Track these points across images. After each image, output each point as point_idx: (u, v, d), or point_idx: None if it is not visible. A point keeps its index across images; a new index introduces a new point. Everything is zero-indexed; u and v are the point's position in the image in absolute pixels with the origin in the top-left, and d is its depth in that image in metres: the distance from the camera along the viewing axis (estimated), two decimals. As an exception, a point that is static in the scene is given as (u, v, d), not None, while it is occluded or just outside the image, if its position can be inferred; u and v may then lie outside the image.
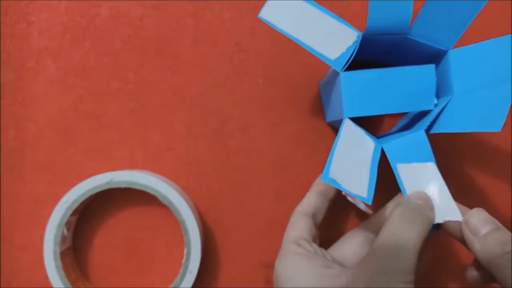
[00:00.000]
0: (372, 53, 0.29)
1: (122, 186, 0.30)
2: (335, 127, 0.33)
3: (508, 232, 0.24)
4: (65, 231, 0.31)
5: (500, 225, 0.24)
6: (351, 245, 0.28)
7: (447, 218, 0.24)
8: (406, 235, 0.23)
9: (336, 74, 0.27)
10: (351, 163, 0.25)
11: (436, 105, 0.28)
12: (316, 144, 0.33)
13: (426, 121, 0.27)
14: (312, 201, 0.29)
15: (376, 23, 0.26)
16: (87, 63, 0.33)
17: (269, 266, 0.33)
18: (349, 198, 0.30)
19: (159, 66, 0.33)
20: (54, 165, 0.33)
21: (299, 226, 0.28)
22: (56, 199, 0.31)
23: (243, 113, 0.33)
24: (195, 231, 0.30)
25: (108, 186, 0.30)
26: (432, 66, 0.27)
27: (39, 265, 0.32)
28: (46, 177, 0.33)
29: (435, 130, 0.27)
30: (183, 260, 0.30)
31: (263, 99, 0.33)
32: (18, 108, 0.33)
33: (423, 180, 0.25)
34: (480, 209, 0.25)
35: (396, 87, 0.27)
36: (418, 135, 0.26)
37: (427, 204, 0.25)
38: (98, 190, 0.31)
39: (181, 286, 0.30)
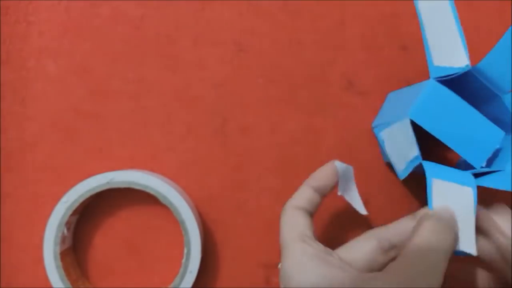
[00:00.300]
0: None
1: (122, 186, 0.30)
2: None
3: None
4: (65, 231, 0.31)
5: None
6: (362, 250, 0.27)
7: (461, 249, 0.24)
8: (439, 244, 0.23)
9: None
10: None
11: (485, 167, 0.27)
12: (316, 144, 0.33)
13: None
14: (308, 196, 0.28)
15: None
16: (87, 63, 0.33)
17: (269, 266, 0.33)
18: (346, 197, 0.30)
19: (159, 66, 0.33)
20: (54, 165, 0.33)
21: (301, 222, 0.27)
22: (56, 199, 0.31)
23: (243, 113, 0.33)
24: (195, 231, 0.30)
25: (108, 186, 0.30)
26: (502, 132, 0.27)
27: (39, 265, 0.32)
28: (46, 177, 0.33)
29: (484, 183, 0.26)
30: (183, 260, 0.30)
31: (263, 99, 0.33)
32: (18, 108, 0.33)
33: (454, 202, 0.25)
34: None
35: (464, 126, 0.27)
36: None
37: (454, 219, 0.24)
38: (98, 190, 0.30)
39: (181, 286, 0.30)
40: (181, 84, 0.33)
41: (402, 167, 0.28)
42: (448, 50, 0.27)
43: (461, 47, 0.26)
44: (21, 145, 0.33)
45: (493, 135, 0.27)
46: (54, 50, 0.33)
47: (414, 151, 0.26)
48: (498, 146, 0.27)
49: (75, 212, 0.31)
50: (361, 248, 0.27)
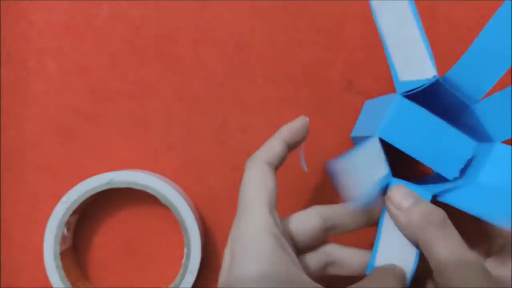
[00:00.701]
0: None
1: (122, 186, 0.30)
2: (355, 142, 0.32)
3: (429, 203, 0.24)
4: (65, 231, 0.31)
5: (420, 197, 0.24)
6: (307, 225, 0.26)
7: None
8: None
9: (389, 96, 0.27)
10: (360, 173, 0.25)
11: (457, 179, 0.27)
12: (316, 144, 0.33)
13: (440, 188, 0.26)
14: (279, 151, 0.26)
15: None
16: (87, 63, 0.33)
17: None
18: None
19: (159, 66, 0.33)
20: (54, 165, 0.33)
21: (270, 185, 0.24)
22: (56, 199, 0.31)
23: (243, 113, 0.33)
24: (195, 231, 0.30)
25: (108, 186, 0.30)
26: (473, 142, 0.27)
27: (39, 265, 0.32)
28: (46, 177, 0.33)
29: (444, 199, 0.26)
30: (183, 260, 0.30)
31: (263, 99, 0.33)
32: (18, 108, 0.33)
33: None
34: (400, 184, 0.25)
35: (434, 139, 0.26)
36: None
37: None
38: (98, 190, 0.31)
39: (181, 286, 0.30)
40: (181, 84, 0.33)
41: (365, 190, 0.25)
42: (413, 61, 0.26)
43: (426, 56, 0.26)
44: (21, 145, 0.33)
45: (464, 145, 0.27)
46: (54, 50, 0.33)
47: (383, 169, 0.25)
48: (470, 156, 0.27)
49: (75, 212, 0.31)
50: (306, 223, 0.26)
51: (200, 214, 0.33)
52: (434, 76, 0.25)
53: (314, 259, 0.27)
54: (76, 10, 0.33)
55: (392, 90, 0.33)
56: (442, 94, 0.27)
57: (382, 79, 0.34)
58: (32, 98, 0.33)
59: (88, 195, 0.30)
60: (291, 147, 0.27)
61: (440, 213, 0.23)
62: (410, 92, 0.26)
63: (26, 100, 0.33)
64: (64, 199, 0.30)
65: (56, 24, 0.33)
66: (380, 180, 0.25)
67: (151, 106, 0.33)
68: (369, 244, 0.33)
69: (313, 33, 0.34)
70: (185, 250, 0.30)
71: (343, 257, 0.27)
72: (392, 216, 0.25)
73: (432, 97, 0.27)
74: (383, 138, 0.26)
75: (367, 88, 0.33)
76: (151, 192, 0.30)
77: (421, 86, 0.26)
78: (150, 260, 0.33)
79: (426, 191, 0.25)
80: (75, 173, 0.33)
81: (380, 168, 0.25)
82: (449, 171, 0.27)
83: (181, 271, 0.30)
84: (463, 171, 0.27)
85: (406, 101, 0.26)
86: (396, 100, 0.26)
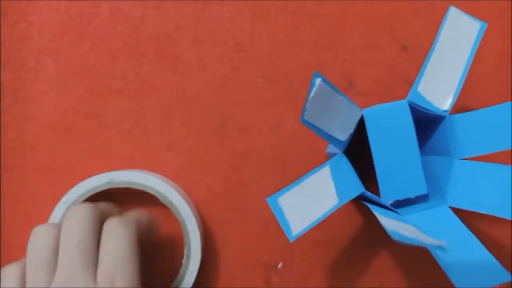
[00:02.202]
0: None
1: (122, 186, 0.30)
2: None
3: None
4: None
5: None
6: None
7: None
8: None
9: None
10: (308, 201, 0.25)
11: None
12: (316, 144, 0.33)
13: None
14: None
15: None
16: (87, 63, 0.33)
17: (269, 266, 0.33)
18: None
19: (159, 66, 0.33)
20: (54, 165, 0.33)
21: None
22: (56, 199, 0.31)
23: (243, 113, 0.33)
24: (195, 231, 0.30)
25: (108, 186, 0.30)
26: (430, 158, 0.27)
27: (39, 265, 0.32)
28: (46, 177, 0.33)
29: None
30: (183, 260, 0.30)
31: (263, 99, 0.33)
32: (18, 108, 0.33)
33: None
34: None
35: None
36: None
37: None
38: (98, 190, 0.30)
39: (181, 286, 0.30)
40: (181, 84, 0.33)
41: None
42: (440, 85, 0.26)
43: (453, 88, 0.26)
44: (21, 145, 0.33)
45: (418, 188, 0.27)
46: (54, 50, 0.33)
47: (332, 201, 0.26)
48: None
49: None
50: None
51: (200, 214, 0.33)
52: (446, 111, 0.26)
53: None
54: (76, 10, 0.34)
55: (392, 90, 0.33)
56: (415, 111, 0.27)
57: (382, 79, 0.34)
58: (32, 98, 0.33)
59: (88, 195, 0.30)
60: None
61: None
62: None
63: (26, 100, 0.33)
64: (64, 199, 0.30)
65: (56, 24, 0.33)
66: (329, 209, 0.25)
67: (151, 106, 0.33)
68: (367, 244, 0.33)
69: (313, 33, 0.34)
70: (185, 250, 0.30)
71: None
72: None
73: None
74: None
75: (367, 88, 0.34)
76: (151, 192, 0.30)
77: (429, 111, 0.27)
78: (150, 260, 0.33)
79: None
80: (75, 173, 0.33)
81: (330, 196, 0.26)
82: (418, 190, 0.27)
83: (181, 271, 0.30)
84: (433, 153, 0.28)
85: (341, 160, 0.26)
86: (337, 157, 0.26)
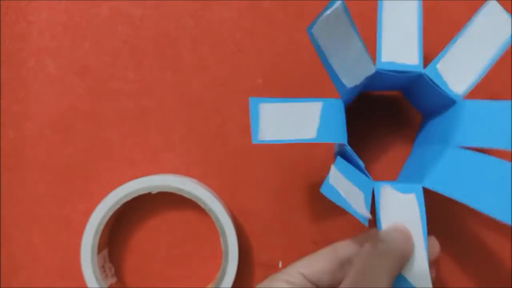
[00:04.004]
0: (387, 85, 0.30)
1: (166, 190, 0.30)
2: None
3: None
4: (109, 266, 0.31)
5: None
6: (325, 268, 0.26)
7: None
8: (380, 267, 0.23)
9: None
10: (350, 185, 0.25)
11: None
12: (316, 144, 0.33)
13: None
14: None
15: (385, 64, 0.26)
16: (87, 63, 0.33)
17: (269, 266, 0.33)
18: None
19: (159, 66, 0.33)
20: (54, 165, 0.33)
21: None
22: (56, 199, 0.31)
23: (243, 113, 0.33)
24: (233, 236, 0.30)
25: (149, 190, 0.30)
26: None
27: (39, 265, 0.32)
28: (46, 177, 0.33)
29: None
30: (222, 262, 0.30)
31: (263, 99, 0.33)
32: (18, 108, 0.33)
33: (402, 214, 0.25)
34: None
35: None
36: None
37: (402, 235, 0.24)
38: (136, 194, 0.30)
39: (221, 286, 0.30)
40: (181, 84, 0.33)
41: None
42: (402, 47, 0.27)
43: (415, 45, 0.27)
44: (20, 145, 0.33)
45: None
46: (54, 50, 0.33)
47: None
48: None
49: (113, 214, 0.31)
50: (323, 266, 0.26)
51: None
52: (418, 65, 0.27)
53: None
54: (76, 10, 0.33)
55: (391, 91, 0.33)
56: (425, 85, 0.28)
57: (382, 79, 0.34)
58: (32, 98, 0.33)
59: (125, 200, 0.30)
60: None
61: None
62: (390, 73, 0.27)
63: (26, 100, 0.33)
64: (101, 204, 0.30)
65: (56, 24, 0.33)
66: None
67: (151, 106, 0.33)
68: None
69: (313, 33, 0.34)
70: (223, 253, 0.30)
71: None
72: None
73: (420, 89, 0.28)
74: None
75: (367, 88, 0.34)
76: (194, 199, 0.30)
77: (402, 71, 0.27)
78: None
79: (415, 185, 0.26)
80: (75, 173, 0.33)
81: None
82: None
83: (219, 274, 0.30)
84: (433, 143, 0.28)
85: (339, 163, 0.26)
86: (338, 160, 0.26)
